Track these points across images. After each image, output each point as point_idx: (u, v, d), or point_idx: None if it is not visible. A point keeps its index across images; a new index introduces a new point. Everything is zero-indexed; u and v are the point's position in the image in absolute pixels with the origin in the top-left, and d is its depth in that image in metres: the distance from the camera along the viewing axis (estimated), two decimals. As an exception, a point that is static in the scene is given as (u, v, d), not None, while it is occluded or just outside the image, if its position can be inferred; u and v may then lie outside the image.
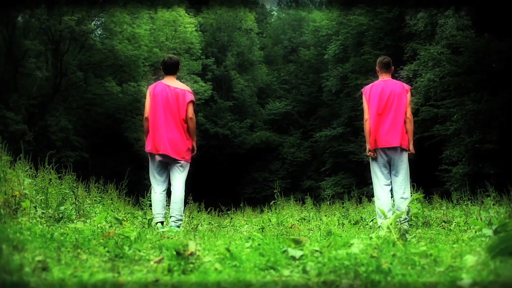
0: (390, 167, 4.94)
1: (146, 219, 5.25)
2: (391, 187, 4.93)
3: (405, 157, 4.87)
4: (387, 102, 4.89)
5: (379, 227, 4.58)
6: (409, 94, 4.95)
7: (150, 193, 4.94)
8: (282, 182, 22.91)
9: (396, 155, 4.85)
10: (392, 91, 4.90)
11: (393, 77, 5.23)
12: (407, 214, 4.60)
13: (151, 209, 5.02)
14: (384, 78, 5.07)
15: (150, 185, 4.93)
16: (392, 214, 4.58)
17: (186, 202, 8.59)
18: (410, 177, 4.96)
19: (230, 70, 28.25)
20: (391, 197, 4.96)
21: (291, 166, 26.81)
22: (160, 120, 4.73)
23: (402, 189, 4.84)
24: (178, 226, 4.67)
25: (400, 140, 4.81)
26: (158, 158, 4.77)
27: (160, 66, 5.06)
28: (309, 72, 28.84)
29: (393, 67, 5.16)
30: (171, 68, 4.93)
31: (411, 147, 4.88)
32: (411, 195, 4.66)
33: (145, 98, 4.87)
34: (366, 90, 5.08)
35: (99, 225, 3.77)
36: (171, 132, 4.74)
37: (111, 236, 2.72)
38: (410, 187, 5.04)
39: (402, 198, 4.82)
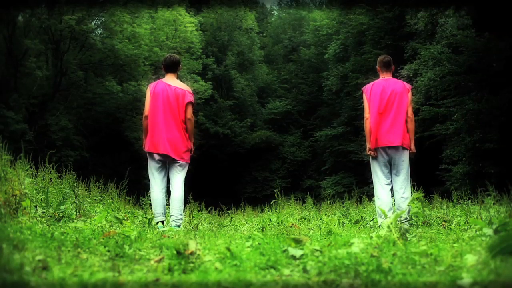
0: (391, 166, 4.94)
1: (147, 218, 5.25)
2: (392, 187, 4.93)
3: (406, 156, 4.87)
4: (388, 101, 4.88)
5: (379, 226, 4.58)
6: (410, 93, 4.95)
7: (150, 192, 4.93)
8: (283, 181, 22.93)
9: (397, 154, 4.85)
10: (394, 90, 4.90)
11: (394, 76, 5.22)
12: (408, 213, 4.59)
13: (151, 208, 5.01)
14: (385, 77, 5.06)
15: (150, 184, 4.92)
16: (393, 214, 4.58)
17: (186, 202, 8.60)
18: (411, 177, 4.95)
19: (230, 70, 28.24)
20: (392, 196, 4.95)
21: (292, 166, 26.81)
22: (160, 119, 4.70)
23: (403, 189, 4.84)
24: (179, 226, 4.67)
25: (402, 139, 4.81)
26: (157, 157, 4.76)
27: (161, 64, 5.05)
28: (310, 72, 28.85)
29: (393, 66, 5.15)
30: (172, 67, 4.91)
31: (413, 146, 4.88)
32: (412, 195, 4.65)
33: (145, 97, 4.86)
34: (367, 88, 5.06)
35: (99, 225, 3.77)
36: (170, 132, 4.72)
37: (112, 235, 2.72)
38: (411, 187, 5.03)
39: (402, 197, 4.81)
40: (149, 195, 5.07)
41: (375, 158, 4.96)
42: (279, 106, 28.62)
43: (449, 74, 13.17)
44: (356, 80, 20.31)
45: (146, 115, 4.77)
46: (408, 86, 5.01)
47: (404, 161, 4.85)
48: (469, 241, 2.91)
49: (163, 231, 3.92)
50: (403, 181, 4.85)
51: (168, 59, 4.93)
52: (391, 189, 4.93)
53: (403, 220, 4.55)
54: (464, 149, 12.99)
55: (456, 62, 12.89)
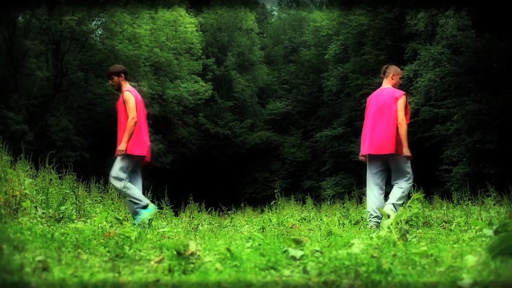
0: (390, 173, 5.06)
1: (147, 219, 5.23)
2: (380, 190, 5.08)
3: (402, 161, 4.94)
4: (379, 111, 5.02)
5: (370, 227, 4.80)
6: (400, 100, 4.96)
7: (130, 189, 4.94)
8: (283, 182, 22.94)
9: (393, 161, 4.97)
10: (384, 100, 5.04)
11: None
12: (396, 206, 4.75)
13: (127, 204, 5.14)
14: (383, 86, 5.19)
15: (123, 181, 4.96)
16: (380, 215, 4.74)
17: (186, 202, 8.65)
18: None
19: (230, 70, 28.25)
20: (380, 198, 5.07)
21: (292, 166, 26.81)
22: (144, 125, 5.10)
23: (400, 184, 4.95)
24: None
25: (394, 147, 4.91)
26: (138, 160, 5.03)
27: (122, 72, 5.23)
28: (310, 72, 28.84)
29: (391, 73, 5.17)
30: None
31: (405, 150, 4.88)
32: (411, 194, 4.71)
33: (131, 101, 5.05)
34: (368, 98, 5.29)
35: (99, 225, 3.77)
36: (148, 138, 5.15)
37: (112, 236, 2.72)
38: (410, 185, 5.08)
39: (398, 187, 4.95)
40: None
41: (368, 163, 5.13)
42: (279, 106, 28.63)
43: (449, 74, 13.17)
44: (356, 81, 20.31)
45: (136, 120, 5.00)
46: (398, 94, 5.03)
47: (401, 166, 4.93)
48: (469, 242, 2.91)
49: (163, 231, 3.91)
50: (403, 181, 4.94)
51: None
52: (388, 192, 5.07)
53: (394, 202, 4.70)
54: (464, 150, 12.99)
55: (456, 62, 12.90)
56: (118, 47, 20.34)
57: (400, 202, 4.87)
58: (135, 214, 4.89)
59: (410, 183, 5.00)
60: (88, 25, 19.81)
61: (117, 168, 4.93)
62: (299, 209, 9.39)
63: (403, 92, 5.07)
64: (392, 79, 5.17)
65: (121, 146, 4.90)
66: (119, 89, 5.18)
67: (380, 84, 5.31)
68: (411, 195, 4.88)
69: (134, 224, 4.61)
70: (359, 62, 21.04)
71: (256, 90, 29.80)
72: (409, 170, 4.97)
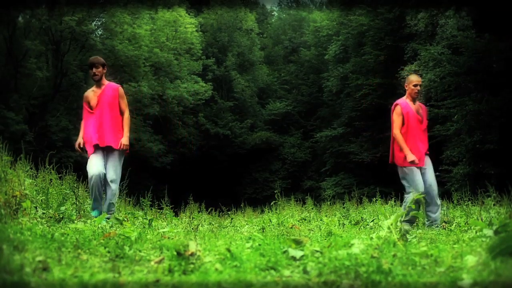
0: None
1: (147, 219, 5.24)
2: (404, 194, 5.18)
3: (399, 172, 5.03)
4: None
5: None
6: (393, 113, 5.02)
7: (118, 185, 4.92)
8: (283, 182, 22.95)
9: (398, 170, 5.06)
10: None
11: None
12: (407, 215, 4.66)
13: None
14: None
15: (120, 178, 4.97)
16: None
17: (186, 202, 8.65)
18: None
19: (230, 71, 28.26)
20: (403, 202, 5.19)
21: (292, 167, 26.81)
22: None
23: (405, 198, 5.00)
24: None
25: (391, 157, 5.08)
26: None
27: (106, 65, 5.12)
28: (310, 72, 28.86)
29: (405, 83, 5.18)
30: None
31: (408, 157, 4.87)
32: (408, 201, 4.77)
33: (125, 97, 5.07)
34: None
35: (99, 226, 3.76)
36: None
37: (112, 236, 2.72)
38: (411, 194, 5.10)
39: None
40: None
41: None
42: (279, 107, 28.64)
43: (449, 75, 13.17)
44: (357, 81, 20.31)
45: None
46: (394, 105, 5.05)
47: (400, 176, 5.02)
48: (469, 242, 2.91)
49: (163, 232, 3.91)
50: (407, 192, 4.98)
51: None
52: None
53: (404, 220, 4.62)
54: (464, 150, 12.99)
55: (456, 63, 12.90)
56: (118, 47, 20.34)
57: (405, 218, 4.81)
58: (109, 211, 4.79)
59: (408, 195, 4.96)
60: (88, 25, 19.80)
61: (117, 168, 4.79)
62: (299, 209, 9.39)
63: (395, 103, 5.10)
64: (406, 89, 5.14)
65: (126, 140, 4.84)
66: (99, 80, 5.00)
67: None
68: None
69: (108, 218, 4.41)
70: (359, 63, 21.05)
71: (256, 90, 29.81)
72: (407, 181, 4.94)
